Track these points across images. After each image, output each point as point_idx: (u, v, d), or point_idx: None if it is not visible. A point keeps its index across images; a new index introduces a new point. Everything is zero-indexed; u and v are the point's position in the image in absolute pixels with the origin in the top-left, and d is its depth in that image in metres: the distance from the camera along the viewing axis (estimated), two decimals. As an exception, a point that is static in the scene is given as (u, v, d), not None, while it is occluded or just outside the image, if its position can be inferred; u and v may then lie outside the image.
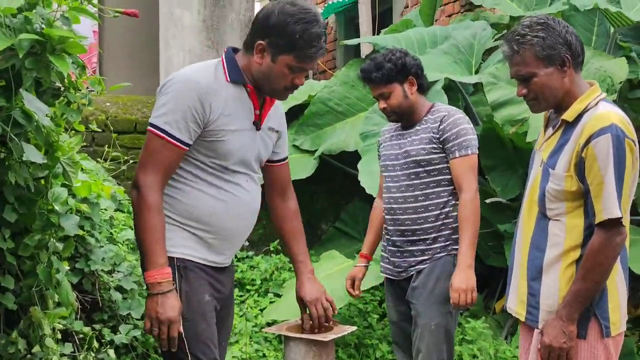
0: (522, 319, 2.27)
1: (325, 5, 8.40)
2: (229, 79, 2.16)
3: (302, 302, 2.44)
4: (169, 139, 2.06)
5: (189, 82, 2.08)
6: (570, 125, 2.15)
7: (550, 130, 2.25)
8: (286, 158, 2.48)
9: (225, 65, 2.17)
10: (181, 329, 2.07)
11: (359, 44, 6.60)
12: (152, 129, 2.08)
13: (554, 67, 2.15)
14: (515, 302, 2.32)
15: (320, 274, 3.89)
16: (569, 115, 2.16)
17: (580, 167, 2.09)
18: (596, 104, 2.14)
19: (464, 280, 2.73)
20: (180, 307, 2.07)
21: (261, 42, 2.11)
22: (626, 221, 2.11)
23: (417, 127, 2.91)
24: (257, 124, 2.22)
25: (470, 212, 2.78)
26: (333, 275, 3.97)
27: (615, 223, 2.06)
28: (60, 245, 2.55)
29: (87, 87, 2.50)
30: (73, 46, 1.92)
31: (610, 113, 2.09)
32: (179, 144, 2.08)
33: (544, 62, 2.14)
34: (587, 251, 2.09)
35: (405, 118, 2.94)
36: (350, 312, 4.19)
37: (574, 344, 2.13)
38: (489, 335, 4.02)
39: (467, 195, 2.79)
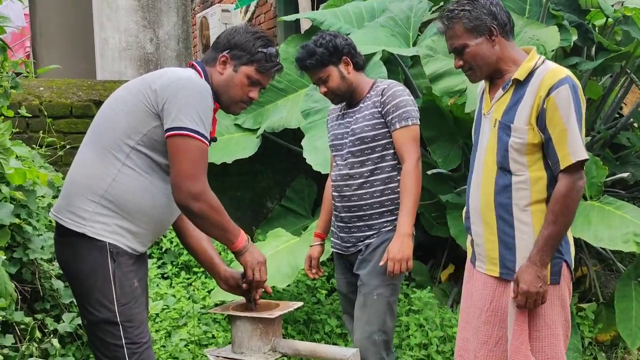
0: (496, 274, 2.36)
1: None
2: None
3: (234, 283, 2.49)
4: (205, 142, 2.13)
5: (204, 86, 2.18)
6: (521, 84, 2.30)
7: (500, 92, 2.37)
8: None
9: (205, 79, 2.27)
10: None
11: (299, 19, 6.55)
12: (191, 134, 2.10)
13: (483, 37, 2.32)
14: (485, 262, 2.41)
15: (267, 252, 3.87)
16: (519, 74, 2.31)
17: (542, 118, 2.23)
18: (542, 62, 2.31)
19: (399, 248, 2.79)
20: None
21: (225, 54, 2.31)
22: None
23: (361, 105, 2.97)
24: (214, 139, 2.32)
25: (410, 181, 2.83)
26: (280, 253, 3.95)
27: (579, 167, 2.22)
28: (-6, 235, 2.48)
29: (13, 71, 2.42)
30: (-7, 28, 1.85)
31: (561, 67, 2.28)
32: (208, 145, 2.16)
33: (473, 33, 2.32)
34: (556, 195, 2.23)
35: (348, 98, 2.99)
36: (299, 289, 4.20)
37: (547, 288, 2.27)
38: (435, 305, 4.07)
39: (409, 165, 2.85)
